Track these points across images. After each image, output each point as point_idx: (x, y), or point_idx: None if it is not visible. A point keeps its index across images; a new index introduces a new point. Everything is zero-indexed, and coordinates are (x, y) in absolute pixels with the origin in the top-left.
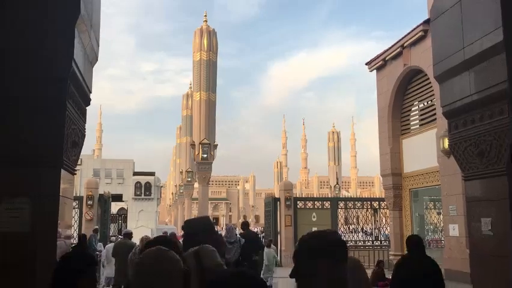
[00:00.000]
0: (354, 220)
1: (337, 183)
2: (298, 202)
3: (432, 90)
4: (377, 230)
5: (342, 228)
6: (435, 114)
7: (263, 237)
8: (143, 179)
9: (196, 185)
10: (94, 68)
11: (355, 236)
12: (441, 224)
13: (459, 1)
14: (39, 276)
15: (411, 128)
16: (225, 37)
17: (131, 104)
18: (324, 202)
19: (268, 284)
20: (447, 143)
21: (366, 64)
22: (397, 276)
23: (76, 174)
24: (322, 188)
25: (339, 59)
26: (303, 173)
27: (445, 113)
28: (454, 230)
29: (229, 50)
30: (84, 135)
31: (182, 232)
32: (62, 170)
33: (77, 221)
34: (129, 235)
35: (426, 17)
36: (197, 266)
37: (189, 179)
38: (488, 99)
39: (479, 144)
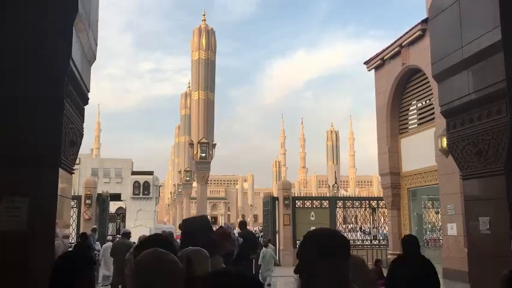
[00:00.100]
0: (352, 219)
1: (335, 183)
2: (296, 201)
3: (431, 89)
4: (375, 229)
5: (340, 228)
6: (433, 113)
7: (262, 236)
8: (141, 179)
9: (194, 184)
10: (92, 67)
11: (353, 235)
12: (440, 223)
13: (458, 0)
14: (38, 275)
15: (410, 127)
16: (224, 36)
17: (130, 103)
18: (323, 201)
19: (266, 283)
20: (445, 142)
21: (364, 63)
22: (391, 276)
23: (74, 173)
24: (320, 187)
25: (338, 59)
26: (301, 172)
27: (443, 112)
28: (452, 229)
29: (227, 49)
30: (82, 135)
31: (180, 231)
32: (61, 169)
33: (76, 221)
34: (127, 235)
35: (425, 16)
36: (188, 274)
37: (188, 178)
38: (486, 99)
39: (477, 144)
